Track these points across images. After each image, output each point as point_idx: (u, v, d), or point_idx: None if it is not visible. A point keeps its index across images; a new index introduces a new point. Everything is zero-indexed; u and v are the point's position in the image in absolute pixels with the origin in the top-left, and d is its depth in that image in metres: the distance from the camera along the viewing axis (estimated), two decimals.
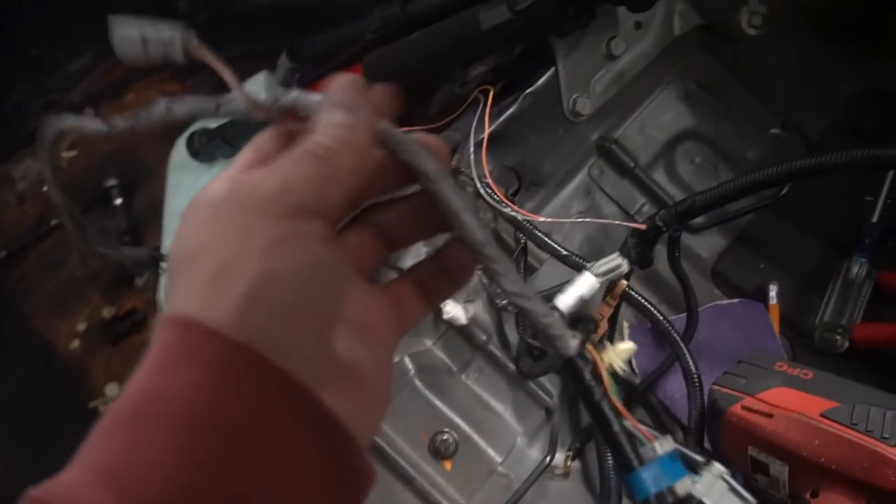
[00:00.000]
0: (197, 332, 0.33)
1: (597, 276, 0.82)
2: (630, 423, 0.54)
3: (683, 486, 0.56)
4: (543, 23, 0.86)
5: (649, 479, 0.54)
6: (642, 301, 0.91)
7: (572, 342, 0.40)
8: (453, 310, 0.93)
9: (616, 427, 0.44)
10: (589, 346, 0.73)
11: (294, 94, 0.40)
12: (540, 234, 0.91)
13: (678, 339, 0.89)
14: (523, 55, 1.00)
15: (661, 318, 0.91)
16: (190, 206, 0.36)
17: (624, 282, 0.88)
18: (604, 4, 0.90)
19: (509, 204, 0.88)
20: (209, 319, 0.33)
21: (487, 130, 0.88)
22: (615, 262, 0.83)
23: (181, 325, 0.33)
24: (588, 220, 0.96)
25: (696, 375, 0.87)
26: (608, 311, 0.89)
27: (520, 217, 0.90)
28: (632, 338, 0.99)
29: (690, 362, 0.88)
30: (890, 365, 0.92)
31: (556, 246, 0.91)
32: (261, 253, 0.34)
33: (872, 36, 1.00)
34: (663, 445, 0.51)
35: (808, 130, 1.03)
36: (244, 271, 0.33)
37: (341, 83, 0.39)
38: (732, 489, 0.69)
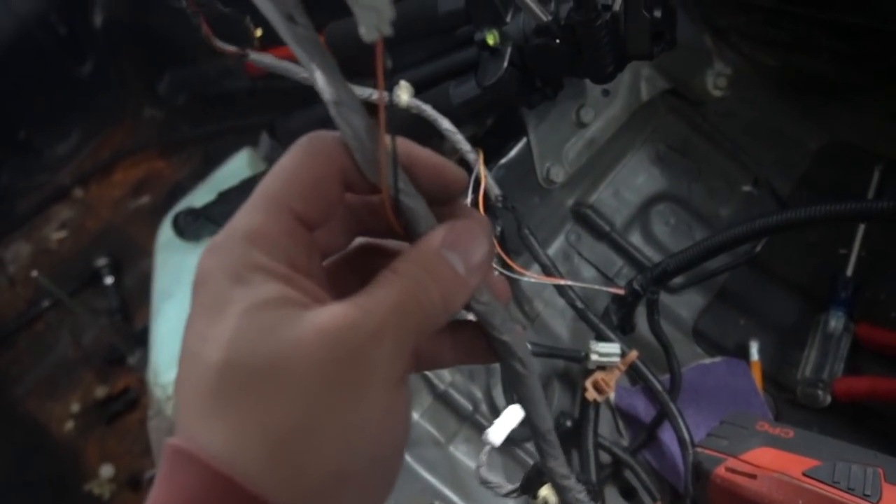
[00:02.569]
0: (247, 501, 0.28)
1: (595, 357, 0.91)
2: None
3: None
4: (511, 96, 0.88)
5: None
6: (648, 374, 0.92)
7: None
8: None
9: None
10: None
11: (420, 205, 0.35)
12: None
13: (677, 412, 0.90)
14: (496, 125, 1.03)
15: (660, 388, 0.92)
16: (259, 310, 0.30)
17: (635, 352, 0.90)
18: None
19: (512, 265, 0.90)
20: (265, 490, 0.28)
21: (483, 186, 0.89)
22: (614, 350, 0.91)
23: (226, 487, 0.28)
24: (569, 283, 0.97)
25: (690, 443, 0.88)
26: (617, 376, 0.91)
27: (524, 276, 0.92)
28: (618, 401, 0.99)
29: (685, 431, 0.89)
30: (873, 418, 0.92)
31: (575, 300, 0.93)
32: (367, 425, 0.30)
33: (834, 91, 1.03)
34: None
35: (778, 186, 1.05)
36: (337, 445, 0.29)
37: (475, 226, 0.34)
38: None
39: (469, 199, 0.90)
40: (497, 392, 1.00)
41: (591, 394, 0.91)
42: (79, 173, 1.74)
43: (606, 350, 0.91)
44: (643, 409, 0.99)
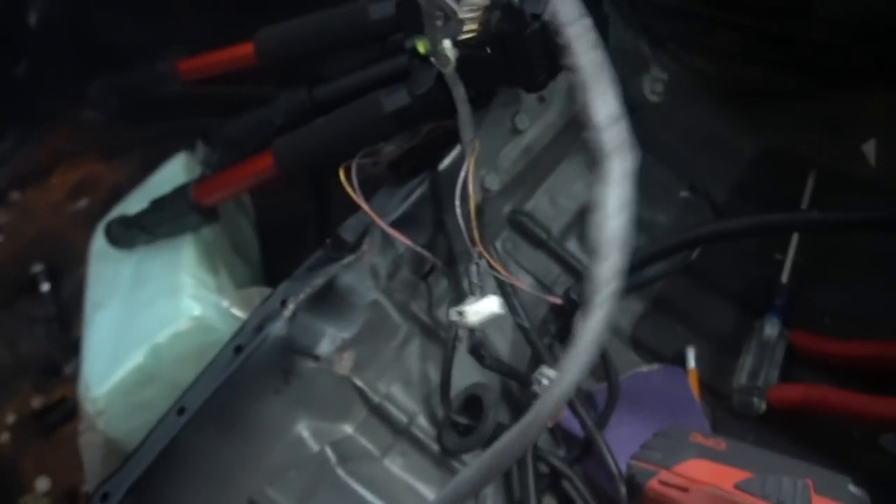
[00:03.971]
0: None
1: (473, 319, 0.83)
2: None
3: None
4: (443, 106, 0.87)
5: None
6: (581, 411, 0.92)
7: None
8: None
9: None
10: None
11: None
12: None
13: (603, 445, 0.90)
14: (434, 134, 1.01)
15: (590, 423, 0.92)
16: None
17: None
18: None
19: None
20: None
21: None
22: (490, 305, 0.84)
23: None
24: (517, 283, 0.95)
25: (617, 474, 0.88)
26: None
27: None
28: None
29: (613, 466, 0.89)
30: (807, 425, 0.92)
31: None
32: None
33: (770, 99, 1.03)
34: None
35: (714, 192, 1.05)
36: None
37: None
38: None
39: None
40: (435, 401, 0.99)
41: None
42: (15, 176, 1.70)
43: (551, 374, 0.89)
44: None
